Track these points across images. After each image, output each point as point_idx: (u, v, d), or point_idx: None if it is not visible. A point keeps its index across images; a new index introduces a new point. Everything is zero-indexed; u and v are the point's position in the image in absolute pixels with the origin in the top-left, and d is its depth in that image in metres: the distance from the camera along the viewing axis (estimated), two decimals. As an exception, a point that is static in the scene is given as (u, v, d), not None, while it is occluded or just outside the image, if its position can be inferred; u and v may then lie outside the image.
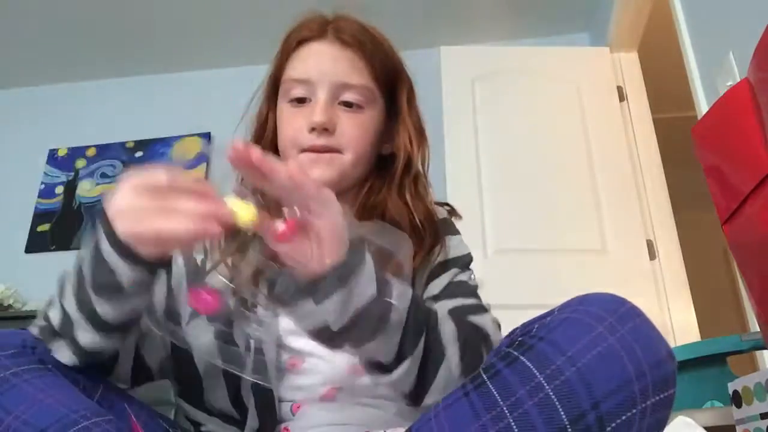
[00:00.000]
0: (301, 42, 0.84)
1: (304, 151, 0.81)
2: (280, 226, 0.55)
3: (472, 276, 0.85)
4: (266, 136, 0.88)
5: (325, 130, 0.80)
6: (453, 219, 0.91)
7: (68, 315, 0.62)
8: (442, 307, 0.73)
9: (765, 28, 0.89)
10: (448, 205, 0.94)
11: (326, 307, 0.57)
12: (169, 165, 0.57)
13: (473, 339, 0.67)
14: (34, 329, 0.67)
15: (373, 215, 0.82)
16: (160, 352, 0.77)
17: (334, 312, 0.57)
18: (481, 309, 0.78)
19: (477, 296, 0.82)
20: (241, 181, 0.62)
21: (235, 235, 0.57)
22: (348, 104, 0.82)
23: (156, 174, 0.56)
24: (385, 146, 0.88)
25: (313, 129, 0.80)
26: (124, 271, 0.58)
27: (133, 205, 0.56)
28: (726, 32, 1.54)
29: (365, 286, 0.58)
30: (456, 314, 0.71)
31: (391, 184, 0.85)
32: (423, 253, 0.80)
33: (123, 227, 0.57)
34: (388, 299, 0.60)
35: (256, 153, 0.55)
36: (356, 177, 0.85)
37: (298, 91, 0.82)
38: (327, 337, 0.59)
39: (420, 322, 0.63)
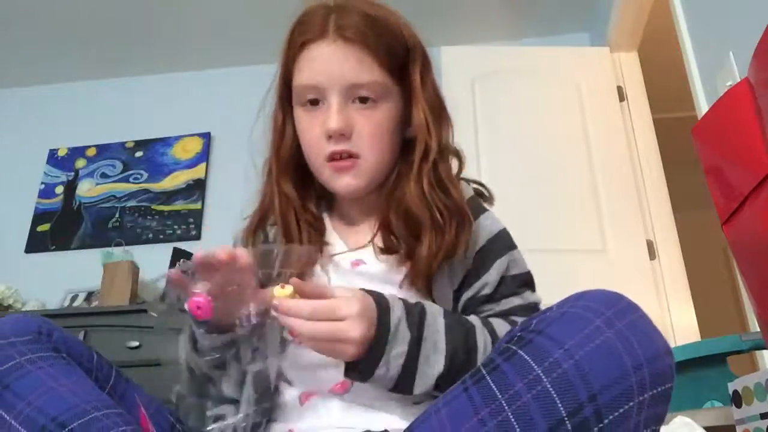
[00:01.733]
0: (304, 43, 0.81)
1: (326, 159, 0.81)
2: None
3: (518, 256, 0.83)
4: (284, 144, 0.86)
5: (342, 135, 0.79)
6: (483, 203, 0.88)
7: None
8: (493, 321, 0.76)
9: (765, 28, 0.88)
10: (479, 183, 0.91)
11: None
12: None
13: None
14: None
15: (398, 211, 0.81)
16: None
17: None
18: (530, 309, 0.78)
19: (528, 284, 0.82)
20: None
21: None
22: (362, 99, 0.80)
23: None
24: (408, 130, 0.86)
25: (330, 136, 0.79)
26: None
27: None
28: (726, 32, 1.54)
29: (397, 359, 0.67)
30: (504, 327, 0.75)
31: (409, 173, 0.81)
32: (445, 248, 0.77)
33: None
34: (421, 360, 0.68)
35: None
36: (384, 172, 0.84)
37: (311, 95, 0.81)
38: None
39: (458, 368, 0.68)
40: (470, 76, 2.63)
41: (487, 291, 0.80)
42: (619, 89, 2.65)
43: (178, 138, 3.11)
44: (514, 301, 0.79)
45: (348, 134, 0.79)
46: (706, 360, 1.22)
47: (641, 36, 2.65)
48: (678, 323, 2.25)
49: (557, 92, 2.60)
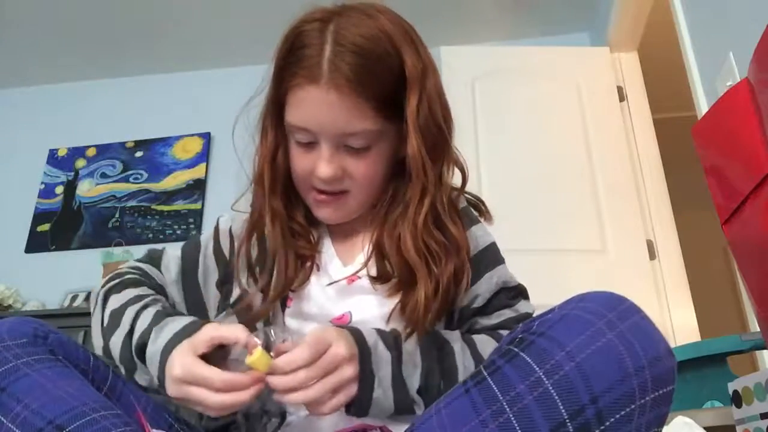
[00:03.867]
0: (295, 84, 0.76)
1: (312, 188, 0.80)
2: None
3: (506, 270, 0.84)
4: (278, 162, 0.82)
5: (333, 180, 0.78)
6: (481, 219, 0.87)
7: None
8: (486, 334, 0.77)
9: (765, 28, 0.88)
10: (478, 199, 0.89)
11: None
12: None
13: None
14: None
15: (392, 238, 0.78)
16: None
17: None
18: (522, 321, 0.76)
19: (522, 294, 0.83)
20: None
21: None
22: (353, 148, 0.77)
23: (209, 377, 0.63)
24: (402, 148, 0.80)
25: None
26: None
27: (181, 386, 0.65)
28: (726, 32, 1.54)
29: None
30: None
31: (405, 215, 0.78)
32: (442, 295, 0.74)
33: (171, 392, 0.66)
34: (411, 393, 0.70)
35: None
36: (372, 202, 0.82)
37: (302, 137, 0.78)
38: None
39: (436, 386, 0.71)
40: (470, 76, 2.63)
41: (478, 303, 0.80)
42: (619, 89, 2.65)
43: (178, 138, 3.10)
44: (506, 314, 0.80)
45: (339, 179, 0.78)
46: (706, 360, 1.22)
47: (641, 36, 2.65)
48: (678, 323, 2.25)
49: (557, 92, 2.60)
